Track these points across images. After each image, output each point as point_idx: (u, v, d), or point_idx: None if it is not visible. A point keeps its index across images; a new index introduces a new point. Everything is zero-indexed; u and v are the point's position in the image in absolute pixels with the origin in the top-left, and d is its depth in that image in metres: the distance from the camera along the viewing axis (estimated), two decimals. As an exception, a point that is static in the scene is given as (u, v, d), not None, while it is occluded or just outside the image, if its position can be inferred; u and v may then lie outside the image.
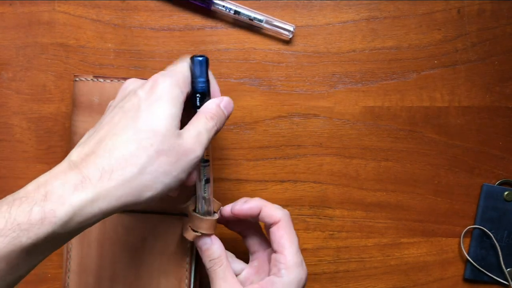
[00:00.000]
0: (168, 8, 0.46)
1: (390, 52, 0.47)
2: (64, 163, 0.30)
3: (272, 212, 0.38)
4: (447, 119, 0.47)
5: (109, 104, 0.36)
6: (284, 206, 0.46)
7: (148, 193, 0.30)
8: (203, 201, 0.37)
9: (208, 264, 0.37)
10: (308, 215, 0.47)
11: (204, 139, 0.32)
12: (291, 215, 0.46)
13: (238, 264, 0.40)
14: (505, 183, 0.47)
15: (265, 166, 0.46)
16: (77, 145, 0.32)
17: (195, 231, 0.37)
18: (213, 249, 0.37)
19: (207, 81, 0.35)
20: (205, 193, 0.37)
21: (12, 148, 0.46)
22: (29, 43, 0.46)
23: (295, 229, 0.45)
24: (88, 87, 0.42)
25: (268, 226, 0.38)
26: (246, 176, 0.46)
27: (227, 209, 0.39)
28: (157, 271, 0.41)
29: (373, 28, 0.47)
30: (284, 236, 0.37)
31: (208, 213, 0.38)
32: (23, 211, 0.27)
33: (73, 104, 0.42)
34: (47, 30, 0.46)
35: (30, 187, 0.28)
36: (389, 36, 0.47)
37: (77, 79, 0.42)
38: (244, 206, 0.38)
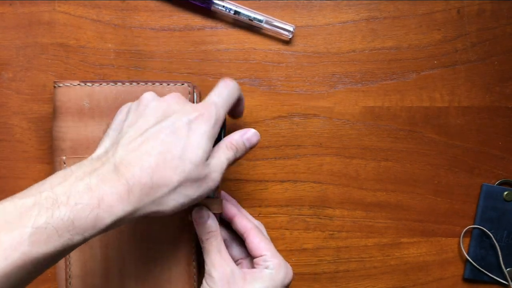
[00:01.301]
0: (168, 8, 0.46)
1: (390, 52, 0.47)
2: (109, 164, 0.32)
3: (243, 224, 0.42)
4: (447, 119, 0.47)
5: (129, 106, 0.37)
6: (284, 206, 0.46)
7: (167, 210, 0.33)
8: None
9: (205, 236, 0.40)
10: (308, 215, 0.47)
11: (224, 168, 0.36)
12: (291, 215, 0.46)
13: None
14: (505, 183, 0.47)
15: (265, 166, 0.46)
16: (117, 138, 0.35)
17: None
18: (210, 222, 0.40)
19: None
20: None
21: (12, 148, 0.46)
22: (29, 43, 0.46)
23: (295, 229, 0.47)
24: (75, 92, 0.42)
25: (242, 236, 0.42)
26: (246, 176, 0.46)
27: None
28: (167, 260, 0.42)
29: (373, 28, 0.47)
30: (262, 241, 0.40)
31: (214, 195, 0.42)
32: (82, 216, 0.30)
33: (58, 111, 0.42)
34: (47, 30, 0.46)
35: (81, 187, 0.30)
36: (389, 36, 0.47)
37: (60, 84, 0.42)
38: (225, 204, 0.43)
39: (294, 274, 0.42)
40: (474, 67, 0.47)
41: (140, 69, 0.46)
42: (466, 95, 0.47)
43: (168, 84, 0.42)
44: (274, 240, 0.46)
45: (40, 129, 0.46)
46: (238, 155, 0.38)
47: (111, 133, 0.36)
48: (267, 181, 0.47)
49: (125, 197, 0.31)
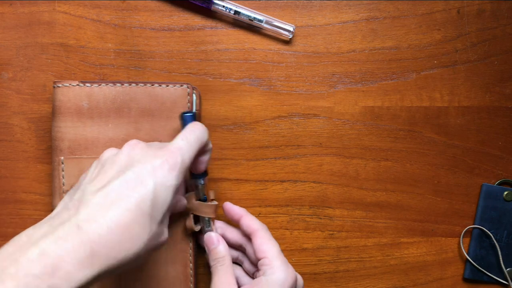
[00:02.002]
0: (168, 8, 0.46)
1: (389, 52, 0.47)
2: (70, 223, 0.29)
3: (250, 222, 0.41)
4: (447, 119, 0.47)
5: (96, 162, 0.36)
6: (284, 206, 0.46)
7: (133, 267, 0.32)
8: (203, 190, 0.42)
9: (212, 262, 0.40)
10: (308, 215, 0.47)
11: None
12: (291, 215, 0.46)
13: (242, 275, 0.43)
14: (505, 183, 0.47)
15: (265, 166, 0.46)
16: (77, 195, 0.32)
17: (198, 217, 0.42)
18: (219, 248, 0.40)
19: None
20: (202, 183, 0.42)
21: (12, 148, 0.46)
22: (29, 43, 0.46)
23: (295, 229, 0.47)
24: (75, 92, 0.42)
25: (249, 237, 0.41)
26: (246, 176, 0.46)
27: (232, 230, 0.43)
28: (164, 261, 0.42)
29: (372, 28, 0.47)
30: (265, 242, 0.40)
31: (207, 201, 0.42)
32: (33, 286, 0.26)
33: (57, 111, 0.42)
34: (47, 30, 0.46)
35: (34, 254, 0.27)
36: (389, 36, 0.47)
37: (59, 85, 0.42)
38: (232, 206, 0.43)
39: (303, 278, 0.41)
40: (474, 67, 0.47)
41: (140, 69, 0.46)
42: (466, 95, 0.47)
43: (168, 86, 0.42)
44: (274, 240, 0.46)
45: (40, 129, 0.46)
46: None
47: (71, 191, 0.34)
48: (267, 181, 0.47)
49: (87, 261, 0.28)
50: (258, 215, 0.46)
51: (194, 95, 0.43)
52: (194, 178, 0.41)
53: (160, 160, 0.32)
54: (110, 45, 0.46)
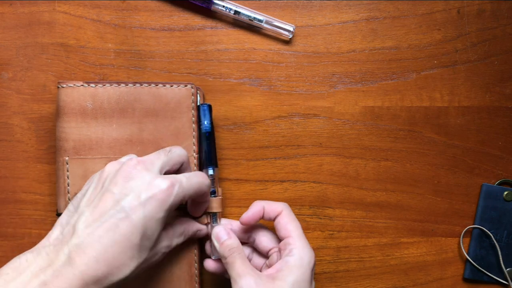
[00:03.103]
0: (168, 8, 0.46)
1: (389, 52, 0.47)
2: (63, 254, 0.32)
3: (273, 206, 0.41)
4: (447, 119, 0.47)
5: (93, 178, 0.38)
6: (284, 206, 0.46)
7: None
8: (211, 178, 0.43)
9: (227, 253, 0.39)
10: (308, 215, 0.47)
11: (171, 249, 0.39)
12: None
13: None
14: (505, 183, 0.47)
15: (265, 166, 0.46)
16: (73, 218, 0.35)
17: (207, 213, 0.43)
18: (232, 240, 0.40)
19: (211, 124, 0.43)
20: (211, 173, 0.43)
21: (12, 148, 0.46)
22: (29, 43, 0.46)
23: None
24: (79, 93, 0.42)
25: (273, 219, 0.41)
26: (246, 176, 0.46)
27: (237, 223, 0.43)
28: (169, 261, 0.42)
29: (372, 28, 0.47)
30: (289, 222, 0.40)
31: (214, 194, 0.43)
32: None
33: (61, 111, 0.42)
34: (47, 30, 0.46)
35: (35, 284, 0.30)
36: (389, 36, 0.47)
37: (64, 85, 0.42)
38: (249, 213, 0.41)
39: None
40: (474, 67, 0.47)
41: (140, 69, 0.46)
42: (466, 95, 0.47)
43: (172, 86, 0.43)
44: (274, 240, 0.46)
45: (40, 129, 0.46)
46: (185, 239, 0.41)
47: (71, 208, 0.36)
48: (267, 181, 0.47)
49: None
50: (258, 215, 0.46)
51: (198, 95, 0.43)
52: (205, 167, 0.42)
53: (153, 191, 0.34)
54: (110, 45, 0.46)
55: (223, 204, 0.43)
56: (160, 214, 0.34)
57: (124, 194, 0.34)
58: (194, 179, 0.37)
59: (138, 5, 0.46)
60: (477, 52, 0.47)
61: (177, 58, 0.46)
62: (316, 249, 0.47)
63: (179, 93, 0.43)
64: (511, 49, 0.47)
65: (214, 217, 0.43)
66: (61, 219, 0.36)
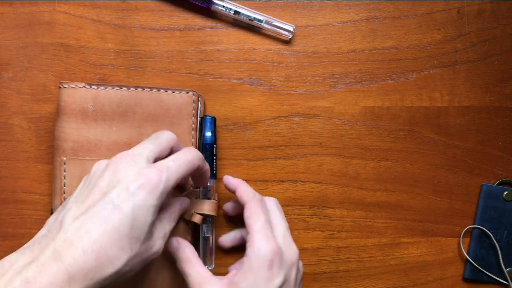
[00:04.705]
0: (168, 8, 0.46)
1: (389, 52, 0.47)
2: (48, 250, 0.31)
3: (243, 192, 0.41)
4: (447, 119, 0.47)
5: (84, 179, 0.37)
6: (284, 206, 0.46)
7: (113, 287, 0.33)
8: (209, 189, 0.43)
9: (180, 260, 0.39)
10: (308, 215, 0.47)
11: (167, 236, 0.37)
12: (291, 215, 0.46)
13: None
14: (505, 183, 0.47)
15: (265, 166, 0.46)
16: (61, 215, 0.33)
17: (200, 214, 0.42)
18: (186, 252, 0.39)
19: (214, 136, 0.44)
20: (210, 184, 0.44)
21: (12, 148, 0.46)
22: (29, 43, 0.46)
23: (295, 229, 0.47)
24: (81, 94, 0.42)
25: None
26: (246, 176, 0.46)
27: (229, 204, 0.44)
28: (161, 264, 0.42)
29: (372, 28, 0.47)
30: (250, 216, 0.38)
31: (209, 198, 0.43)
32: None
33: (62, 111, 0.42)
34: (48, 30, 0.46)
35: (17, 282, 0.29)
36: (389, 36, 0.47)
37: (65, 85, 0.42)
38: (231, 179, 0.42)
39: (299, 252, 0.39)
40: (474, 67, 0.47)
41: (140, 69, 0.46)
42: (466, 95, 0.47)
43: (174, 92, 0.43)
44: (274, 240, 0.46)
45: (40, 129, 0.46)
46: (177, 219, 0.39)
47: (60, 208, 0.35)
48: (267, 181, 0.47)
49: (66, 285, 0.30)
50: (258, 215, 0.46)
51: (199, 102, 0.43)
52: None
53: (141, 181, 0.33)
54: (110, 45, 0.46)
55: (217, 206, 0.43)
56: (151, 202, 0.33)
57: (111, 187, 0.33)
58: (183, 158, 0.36)
59: (138, 5, 0.46)
60: (477, 52, 0.47)
61: (177, 58, 0.46)
62: (316, 249, 0.47)
63: (180, 100, 0.43)
64: (511, 49, 0.47)
65: (208, 220, 0.43)
66: (49, 219, 0.35)
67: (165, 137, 0.37)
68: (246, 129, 0.46)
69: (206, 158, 0.43)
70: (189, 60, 0.46)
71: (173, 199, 0.40)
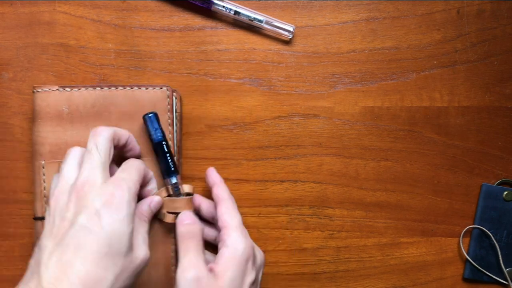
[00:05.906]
0: (168, 9, 0.46)
1: (389, 53, 0.47)
2: None
3: (220, 191, 0.41)
4: (447, 119, 0.47)
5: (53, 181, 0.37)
6: (284, 206, 0.46)
7: None
8: (174, 186, 0.42)
9: (186, 237, 0.39)
10: (308, 215, 0.47)
11: (147, 238, 0.38)
12: (291, 215, 0.46)
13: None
14: (505, 183, 0.47)
15: (265, 166, 0.47)
16: (38, 255, 0.33)
17: (173, 213, 0.42)
18: (195, 225, 0.40)
19: (161, 131, 0.42)
20: (174, 181, 0.42)
21: (12, 148, 0.46)
22: (29, 43, 0.46)
23: (295, 229, 0.47)
24: (55, 97, 0.42)
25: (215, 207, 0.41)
26: (246, 176, 0.46)
27: (207, 204, 0.43)
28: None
29: (372, 29, 0.47)
30: (227, 213, 0.39)
31: (180, 195, 0.42)
32: None
33: (37, 115, 0.42)
34: (48, 30, 0.46)
35: None
36: (389, 36, 0.47)
37: (39, 90, 0.42)
38: (212, 173, 0.43)
39: (265, 255, 0.41)
40: (474, 67, 0.47)
41: (140, 69, 0.46)
42: (465, 95, 0.47)
43: (147, 89, 0.43)
44: (274, 240, 0.46)
45: (40, 129, 0.46)
46: (149, 222, 0.40)
47: (36, 250, 0.35)
48: (267, 181, 0.47)
49: None
50: (258, 215, 0.46)
51: (174, 97, 0.43)
52: (165, 178, 0.42)
53: (105, 198, 0.34)
54: (110, 45, 0.46)
55: (188, 202, 0.42)
56: (123, 213, 0.34)
57: (78, 213, 0.33)
58: (130, 168, 0.38)
59: (138, 5, 0.46)
60: (477, 52, 0.47)
61: (177, 58, 0.46)
62: (316, 249, 0.47)
63: (155, 96, 0.43)
64: (511, 49, 0.47)
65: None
66: (30, 262, 0.34)
67: (102, 143, 0.37)
68: (246, 129, 0.46)
69: (159, 157, 0.42)
70: (189, 60, 0.46)
71: (140, 202, 0.40)
